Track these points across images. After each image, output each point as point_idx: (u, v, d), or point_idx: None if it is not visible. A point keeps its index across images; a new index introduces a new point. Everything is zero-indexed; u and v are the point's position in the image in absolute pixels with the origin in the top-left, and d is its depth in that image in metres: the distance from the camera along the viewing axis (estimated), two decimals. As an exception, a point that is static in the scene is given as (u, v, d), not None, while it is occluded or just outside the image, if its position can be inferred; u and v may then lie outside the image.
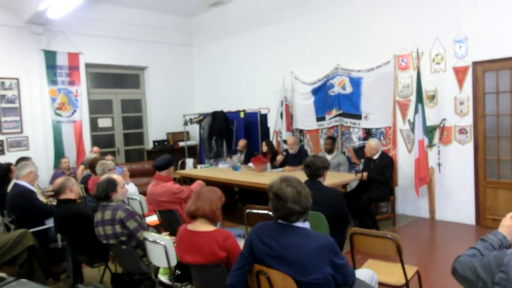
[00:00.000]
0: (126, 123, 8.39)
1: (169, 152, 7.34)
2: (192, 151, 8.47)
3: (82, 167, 5.83)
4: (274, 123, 7.08)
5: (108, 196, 2.96)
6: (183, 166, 7.76)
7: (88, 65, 7.53)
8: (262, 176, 5.20)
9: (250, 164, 5.84)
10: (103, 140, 7.97)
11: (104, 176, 3.04)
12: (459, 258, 1.62)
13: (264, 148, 6.20)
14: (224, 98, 8.19)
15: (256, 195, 4.81)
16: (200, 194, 2.36)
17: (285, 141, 6.57)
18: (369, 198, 4.79)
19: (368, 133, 5.81)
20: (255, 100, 7.49)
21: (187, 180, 6.22)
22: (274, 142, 6.93)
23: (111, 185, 2.99)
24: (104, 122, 8.10)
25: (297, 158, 5.73)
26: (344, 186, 5.04)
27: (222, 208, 2.38)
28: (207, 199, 2.32)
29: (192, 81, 9.10)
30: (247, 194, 5.97)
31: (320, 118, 6.43)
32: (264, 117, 7.37)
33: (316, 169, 3.15)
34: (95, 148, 6.67)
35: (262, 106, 7.40)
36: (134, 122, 8.59)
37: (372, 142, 5.13)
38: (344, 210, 3.10)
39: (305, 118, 6.65)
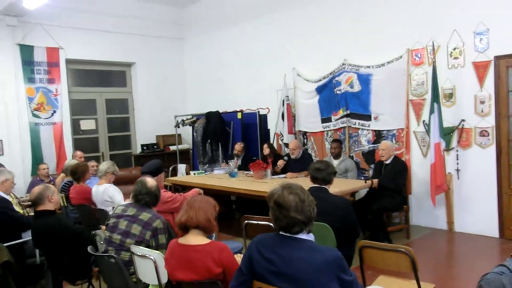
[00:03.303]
0: (111, 125, 8.38)
1: (159, 157, 7.32)
2: (185, 156, 8.45)
3: (62, 175, 5.81)
4: (275, 125, 7.08)
5: (157, 203, 3.09)
6: (174, 173, 7.74)
7: (69, 61, 7.53)
8: (262, 183, 5.19)
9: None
10: (86, 144, 7.95)
11: (154, 181, 3.11)
12: (485, 276, 1.61)
13: (266, 150, 6.20)
14: (220, 97, 8.19)
15: (255, 204, 4.80)
16: (192, 203, 2.36)
17: (286, 145, 6.57)
18: (380, 208, 4.79)
19: (378, 136, 5.81)
20: (254, 100, 7.50)
21: (179, 188, 6.21)
22: (275, 146, 6.92)
23: (159, 193, 3.11)
24: (87, 124, 8.09)
25: (300, 163, 5.72)
26: (353, 194, 5.02)
27: (217, 219, 2.39)
28: (201, 208, 2.33)
29: (184, 79, 9.10)
30: (245, 203, 5.96)
31: (325, 119, 6.44)
32: (263, 118, 7.37)
33: (328, 174, 3.20)
34: (78, 153, 6.55)
35: (262, 106, 7.41)
36: (120, 124, 8.57)
37: (389, 142, 5.18)
38: (353, 220, 3.10)
39: (309, 119, 6.66)
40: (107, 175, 4.45)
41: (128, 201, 3.23)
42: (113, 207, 3.59)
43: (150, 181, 3.08)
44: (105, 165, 4.52)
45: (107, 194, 4.25)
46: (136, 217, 2.90)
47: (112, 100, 8.41)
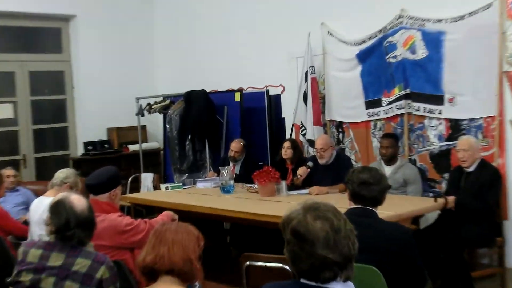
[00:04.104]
0: (38, 113, 8.41)
1: (112, 162, 7.32)
2: (152, 160, 8.47)
3: None
4: (293, 112, 7.07)
5: (93, 233, 3.01)
6: (135, 186, 7.73)
7: (-27, 14, 7.56)
8: (272, 203, 5.19)
9: (252, 185, 5.83)
10: (-2, 142, 7.98)
11: (83, 200, 3.02)
12: None
13: (287, 152, 6.19)
14: (207, 70, 8.19)
15: (262, 235, 4.79)
16: (162, 234, 2.36)
17: (311, 143, 6.56)
18: (459, 241, 4.76)
19: (455, 128, 5.77)
20: (260, 73, 7.50)
21: (143, 211, 6.20)
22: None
23: (94, 215, 3.03)
24: (1, 111, 8.09)
25: (332, 171, 5.72)
26: (416, 220, 5.01)
27: (202, 258, 2.37)
28: (177, 241, 2.32)
29: (152, 42, 9.12)
30: (246, 234, 5.98)
31: (372, 103, 6.42)
32: (275, 101, 7.39)
33: (381, 190, 3.18)
34: None
35: (272, 82, 7.40)
36: (52, 110, 8.61)
37: (472, 139, 5.14)
38: (415, 261, 3.09)
39: (347, 103, 6.65)
40: (63, 187, 4.52)
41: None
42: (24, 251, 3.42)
43: (78, 201, 2.98)
44: (65, 172, 4.77)
45: None
46: (67, 269, 2.84)
47: (39, 74, 8.44)
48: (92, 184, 3.84)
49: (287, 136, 7.11)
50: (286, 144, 6.27)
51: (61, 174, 4.73)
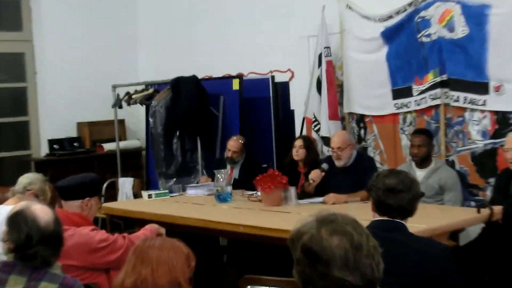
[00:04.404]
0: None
1: (84, 165, 7.33)
2: (132, 162, 8.49)
3: None
4: (304, 103, 7.08)
5: (58, 253, 2.96)
6: (112, 194, 7.73)
7: None
8: (279, 214, 5.20)
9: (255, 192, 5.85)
10: None
11: (47, 210, 2.99)
12: None
13: (299, 152, 6.19)
14: (199, 52, 8.22)
15: (265, 254, 4.77)
16: (145, 252, 2.37)
17: (326, 140, 6.57)
18: (507, 261, 4.74)
19: (502, 123, 5.76)
20: (264, 56, 7.51)
21: (121, 224, 6.20)
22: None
23: (61, 229, 3.00)
24: None
25: (351, 175, 5.74)
26: (454, 235, 5.01)
27: (192, 281, 2.38)
28: (162, 260, 2.33)
29: (133, 18, 9.14)
30: (246, 252, 5.99)
31: (401, 92, 6.42)
32: (282, 90, 7.40)
33: (411, 199, 3.17)
34: None
35: (279, 67, 7.42)
36: (10, 101, 8.64)
37: None
38: (454, 283, 3.06)
39: (370, 91, 6.65)
40: (26, 194, 4.58)
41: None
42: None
43: (41, 212, 2.93)
44: (29, 177, 4.86)
45: None
46: None
47: (-6, 56, 8.45)
48: (62, 186, 3.87)
49: (297, 132, 7.14)
50: (298, 143, 6.25)
51: (25, 179, 4.78)
